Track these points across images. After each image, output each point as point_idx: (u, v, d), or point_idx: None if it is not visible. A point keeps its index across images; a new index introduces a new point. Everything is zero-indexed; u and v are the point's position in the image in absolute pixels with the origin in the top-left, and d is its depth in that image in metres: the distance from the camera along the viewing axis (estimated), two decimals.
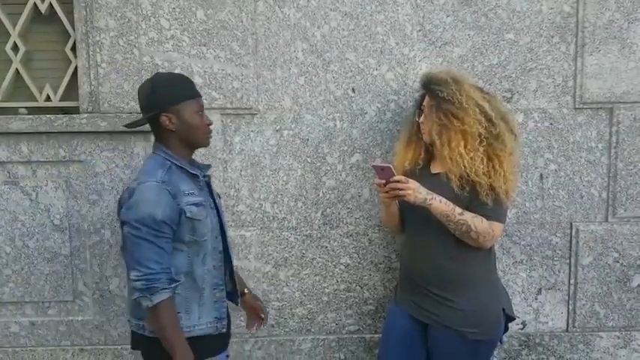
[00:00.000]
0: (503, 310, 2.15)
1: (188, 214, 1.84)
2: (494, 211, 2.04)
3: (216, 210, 2.00)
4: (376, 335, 2.69)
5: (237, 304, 2.16)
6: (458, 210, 2.02)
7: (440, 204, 2.00)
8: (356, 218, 2.63)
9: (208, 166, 2.09)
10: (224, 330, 1.99)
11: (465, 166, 2.01)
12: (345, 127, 2.58)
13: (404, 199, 2.00)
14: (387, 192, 2.02)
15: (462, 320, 2.08)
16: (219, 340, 2.01)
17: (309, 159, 2.60)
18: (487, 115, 2.05)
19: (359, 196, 2.62)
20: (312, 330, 2.68)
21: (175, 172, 1.88)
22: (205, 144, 1.98)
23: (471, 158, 2.01)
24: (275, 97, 2.54)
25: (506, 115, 2.14)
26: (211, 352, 1.96)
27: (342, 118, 2.58)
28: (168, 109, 1.87)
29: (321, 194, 2.61)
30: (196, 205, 1.88)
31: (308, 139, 2.59)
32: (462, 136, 2.03)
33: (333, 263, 2.66)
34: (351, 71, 2.56)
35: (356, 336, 2.71)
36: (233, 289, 2.12)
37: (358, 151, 2.59)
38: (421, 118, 2.16)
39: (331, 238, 2.63)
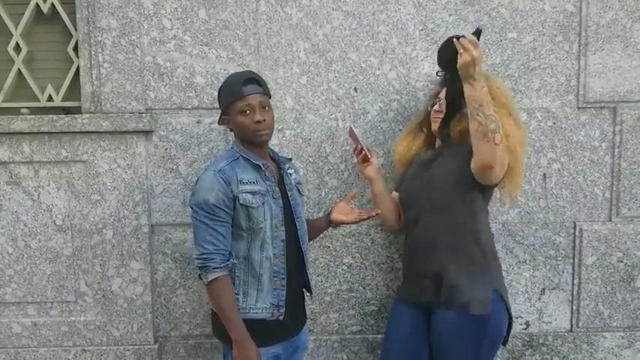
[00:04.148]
0: (502, 298, 2.24)
1: (241, 201, 2.02)
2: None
3: (283, 200, 2.13)
4: (379, 336, 2.77)
5: (310, 295, 2.33)
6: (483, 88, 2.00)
7: (482, 89, 1.97)
8: None
9: (288, 160, 2.30)
10: (281, 318, 2.10)
11: (504, 123, 2.08)
12: (347, 127, 2.67)
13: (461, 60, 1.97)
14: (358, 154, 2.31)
15: (460, 293, 2.18)
16: (275, 330, 2.10)
17: (311, 159, 2.68)
18: (512, 113, 2.21)
19: (361, 195, 2.70)
20: (315, 330, 2.77)
21: (241, 163, 2.09)
22: (256, 141, 2.10)
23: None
24: (277, 97, 2.62)
25: (522, 125, 2.28)
26: (266, 341, 2.07)
27: (344, 117, 2.67)
28: (225, 111, 2.13)
29: (323, 194, 2.70)
30: (252, 193, 2.05)
31: (310, 139, 2.67)
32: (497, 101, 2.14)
33: (336, 263, 2.74)
34: (353, 71, 2.65)
35: (359, 336, 2.79)
36: (307, 279, 2.26)
37: None
38: (435, 107, 2.28)
39: (333, 238, 2.72)
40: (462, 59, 1.94)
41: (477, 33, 2.03)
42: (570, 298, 2.80)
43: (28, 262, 2.68)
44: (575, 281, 2.79)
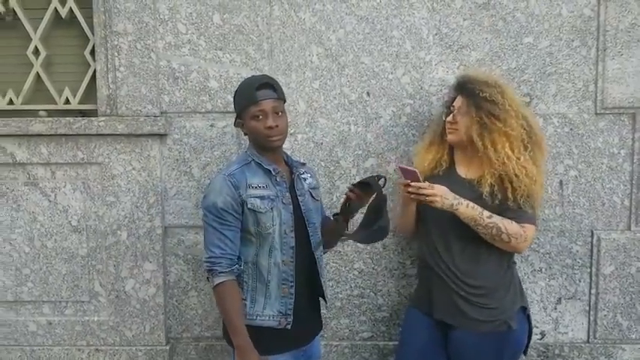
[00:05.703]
0: (525, 312, 2.26)
1: (249, 206, 2.05)
2: (524, 213, 2.15)
3: (293, 206, 2.14)
4: (390, 343, 2.80)
5: (326, 303, 2.32)
6: (486, 213, 2.11)
7: (467, 209, 2.12)
8: None
9: (302, 164, 2.32)
10: (288, 327, 2.09)
11: (513, 168, 2.11)
12: (359, 131, 2.71)
13: (430, 205, 2.12)
14: (410, 192, 2.14)
15: (482, 312, 2.19)
16: (284, 338, 2.11)
17: (322, 163, 2.73)
18: (528, 121, 2.20)
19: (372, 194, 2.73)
20: (325, 335, 2.80)
21: (253, 167, 2.13)
22: (269, 146, 2.12)
23: (518, 159, 2.13)
24: (289, 101, 2.66)
25: (539, 127, 2.30)
26: (274, 349, 2.09)
27: (356, 122, 2.70)
28: (240, 115, 2.15)
29: (334, 198, 2.74)
30: (261, 198, 2.07)
31: (322, 143, 2.72)
32: (507, 138, 2.14)
33: (347, 268, 2.78)
34: (366, 75, 2.69)
35: (369, 343, 2.82)
36: (321, 287, 2.24)
37: (372, 155, 2.71)
38: (449, 118, 2.27)
39: (345, 242, 2.74)
40: (435, 205, 2.11)
41: (380, 178, 2.11)
42: (587, 308, 2.79)
43: (44, 262, 2.78)
44: (593, 291, 2.77)
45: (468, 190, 2.19)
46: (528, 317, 2.28)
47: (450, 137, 2.29)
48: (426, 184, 2.11)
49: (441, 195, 2.10)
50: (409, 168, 2.12)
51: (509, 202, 2.13)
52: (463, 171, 2.31)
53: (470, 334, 2.21)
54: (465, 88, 2.24)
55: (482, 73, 2.37)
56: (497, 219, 2.11)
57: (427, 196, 2.10)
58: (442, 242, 2.26)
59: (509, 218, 2.13)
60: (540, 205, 2.28)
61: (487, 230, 2.11)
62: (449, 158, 2.36)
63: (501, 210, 2.15)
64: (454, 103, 2.29)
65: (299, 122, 2.70)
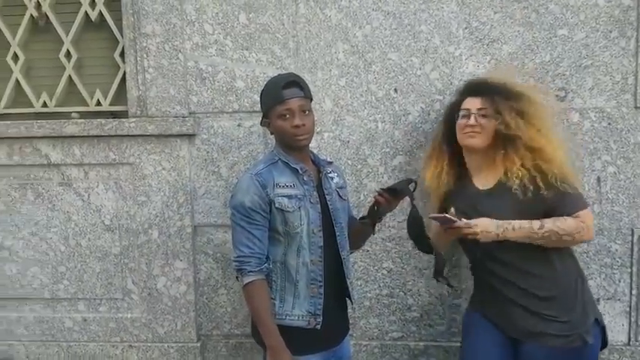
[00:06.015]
0: (599, 324, 2.15)
1: (277, 205, 2.05)
2: (571, 197, 2.07)
3: (321, 205, 2.12)
4: (421, 343, 2.77)
5: (352, 303, 2.27)
6: (536, 224, 2.03)
7: (515, 232, 2.04)
8: (399, 222, 2.70)
9: (329, 163, 2.31)
10: (318, 327, 2.08)
11: (551, 149, 2.07)
12: (387, 129, 2.67)
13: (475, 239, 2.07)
14: (451, 234, 2.12)
15: (556, 326, 2.09)
16: (313, 338, 2.10)
17: (349, 161, 2.71)
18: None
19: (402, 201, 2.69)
20: (355, 335, 2.79)
21: (280, 166, 2.12)
22: (295, 145, 2.10)
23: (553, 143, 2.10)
24: (316, 99, 2.63)
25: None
26: (304, 349, 2.08)
27: (383, 119, 2.67)
28: (266, 115, 2.15)
29: (362, 197, 2.71)
30: (288, 197, 2.07)
31: (349, 141, 2.70)
32: (542, 124, 2.11)
33: (375, 268, 2.75)
34: (394, 71, 2.65)
35: (400, 343, 2.79)
36: (346, 288, 2.21)
37: (401, 153, 2.68)
38: (470, 121, 2.15)
39: (373, 241, 2.72)
40: (481, 239, 2.06)
41: (410, 183, 2.11)
42: (628, 309, 2.69)
43: (78, 260, 2.86)
44: (634, 292, 2.68)
45: (496, 197, 2.13)
46: (603, 329, 2.16)
47: (470, 142, 2.17)
48: (464, 222, 2.05)
49: (482, 230, 2.04)
50: (439, 215, 2.09)
51: (544, 192, 2.04)
52: (481, 182, 2.22)
53: (540, 348, 2.10)
54: (492, 88, 2.18)
55: (496, 76, 2.33)
56: (549, 225, 2.02)
57: (468, 234, 2.05)
58: (495, 261, 2.17)
59: (559, 215, 2.04)
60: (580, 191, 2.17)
61: (545, 240, 2.04)
62: (451, 170, 2.30)
63: (547, 208, 2.06)
64: (467, 106, 2.19)
65: (325, 120, 2.69)
